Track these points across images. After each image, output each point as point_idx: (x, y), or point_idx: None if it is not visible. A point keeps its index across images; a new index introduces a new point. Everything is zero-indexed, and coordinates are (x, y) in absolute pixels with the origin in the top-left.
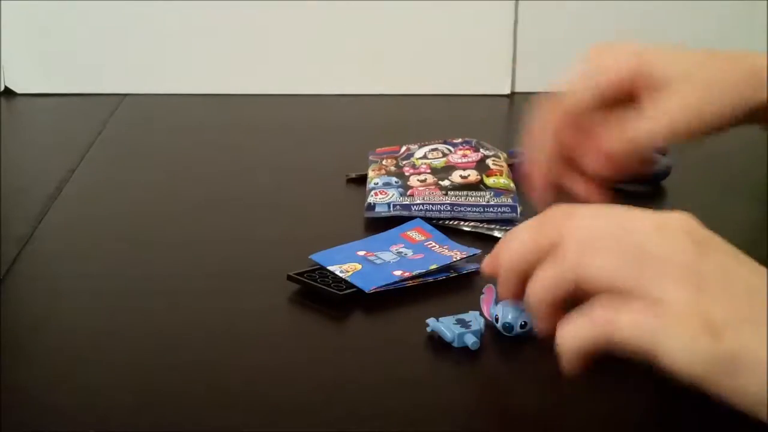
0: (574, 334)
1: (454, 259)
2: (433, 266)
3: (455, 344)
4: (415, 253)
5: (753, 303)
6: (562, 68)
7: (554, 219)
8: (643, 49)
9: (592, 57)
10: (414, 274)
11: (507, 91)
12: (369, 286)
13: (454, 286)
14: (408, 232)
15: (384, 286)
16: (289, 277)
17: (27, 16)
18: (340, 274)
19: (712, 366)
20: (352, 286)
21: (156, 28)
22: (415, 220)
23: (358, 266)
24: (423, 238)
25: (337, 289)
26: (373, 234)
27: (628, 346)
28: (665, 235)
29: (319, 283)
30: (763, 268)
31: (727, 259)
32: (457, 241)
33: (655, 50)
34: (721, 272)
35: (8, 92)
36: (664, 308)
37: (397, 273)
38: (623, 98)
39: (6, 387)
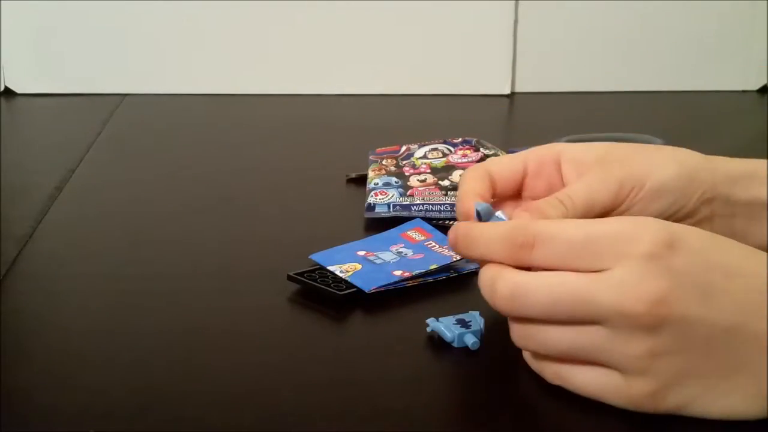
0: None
1: (454, 259)
2: (433, 266)
3: (455, 344)
4: (415, 253)
5: (711, 351)
6: (562, 68)
7: (519, 246)
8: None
9: None
10: (414, 274)
11: (507, 91)
12: (369, 286)
13: (454, 286)
14: (408, 232)
15: (384, 286)
16: (289, 277)
17: (27, 16)
18: (340, 274)
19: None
20: (352, 286)
21: (156, 29)
22: (415, 219)
23: (358, 266)
24: (423, 238)
25: (337, 289)
26: (373, 234)
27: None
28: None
29: (319, 283)
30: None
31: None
32: None
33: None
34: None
35: (8, 92)
36: (614, 369)
37: (397, 273)
38: None
39: (6, 387)
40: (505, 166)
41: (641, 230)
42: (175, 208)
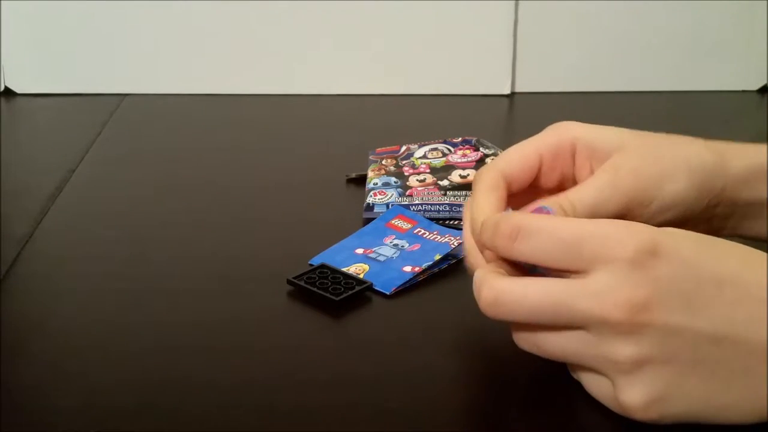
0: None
1: (452, 246)
2: (438, 256)
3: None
4: (411, 244)
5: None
6: (562, 68)
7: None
8: None
9: None
10: (424, 267)
11: (507, 91)
12: (389, 287)
13: (452, 273)
14: (392, 221)
15: (401, 285)
16: (289, 282)
17: (27, 16)
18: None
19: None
20: (352, 287)
21: (155, 29)
22: (394, 207)
23: (366, 267)
24: (409, 225)
25: (334, 294)
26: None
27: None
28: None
29: (318, 287)
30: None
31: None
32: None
33: None
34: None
35: (8, 92)
36: (614, 367)
37: (407, 269)
38: None
39: (6, 387)
40: (518, 166)
41: (628, 235)
42: (175, 208)
